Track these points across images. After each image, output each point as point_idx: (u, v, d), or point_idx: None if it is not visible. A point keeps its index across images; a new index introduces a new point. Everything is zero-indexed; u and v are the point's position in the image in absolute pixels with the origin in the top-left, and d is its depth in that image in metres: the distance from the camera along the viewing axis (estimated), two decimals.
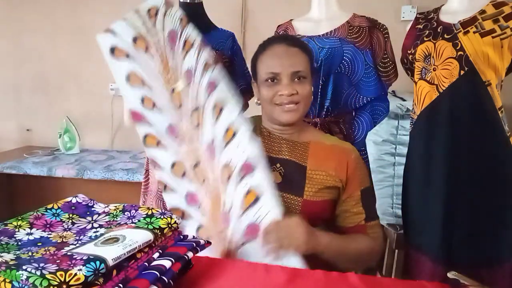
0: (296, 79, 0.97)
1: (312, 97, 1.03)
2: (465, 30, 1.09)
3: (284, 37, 1.05)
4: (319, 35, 1.28)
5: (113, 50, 1.07)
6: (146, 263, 0.63)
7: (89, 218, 0.77)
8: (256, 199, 0.92)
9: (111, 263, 0.56)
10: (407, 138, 1.32)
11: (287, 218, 0.89)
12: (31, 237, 0.69)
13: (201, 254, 0.73)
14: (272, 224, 0.88)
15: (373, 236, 1.01)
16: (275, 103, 0.99)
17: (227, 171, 0.97)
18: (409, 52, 1.23)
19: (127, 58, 1.07)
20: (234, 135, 0.98)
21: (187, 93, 1.06)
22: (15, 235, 0.68)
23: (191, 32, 1.10)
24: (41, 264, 0.54)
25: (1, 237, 0.66)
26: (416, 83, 1.21)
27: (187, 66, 1.07)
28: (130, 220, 0.74)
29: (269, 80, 0.98)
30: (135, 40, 1.08)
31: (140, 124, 1.07)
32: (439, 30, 1.15)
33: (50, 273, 0.52)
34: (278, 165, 1.00)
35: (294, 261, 0.87)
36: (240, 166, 0.95)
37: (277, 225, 0.88)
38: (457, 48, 1.09)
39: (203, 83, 1.05)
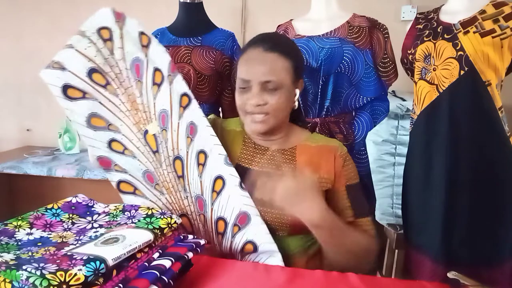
0: (268, 89, 0.89)
1: (286, 108, 0.93)
2: (465, 30, 1.09)
3: (263, 39, 0.92)
4: (319, 35, 1.28)
5: (65, 90, 0.87)
6: (146, 263, 0.63)
7: (89, 218, 0.77)
8: (255, 249, 0.87)
9: (111, 263, 0.56)
10: (407, 138, 1.32)
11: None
12: (31, 237, 0.69)
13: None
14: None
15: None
16: (246, 111, 0.92)
17: (221, 224, 0.90)
18: (409, 52, 1.23)
19: (84, 97, 0.88)
20: (223, 186, 0.89)
21: (164, 138, 0.92)
22: (15, 235, 0.68)
23: (158, 56, 0.91)
24: (41, 264, 0.54)
25: (1, 237, 0.66)
26: (416, 83, 1.21)
27: (161, 107, 0.92)
28: (130, 220, 0.74)
29: (241, 88, 0.91)
30: (90, 74, 0.89)
31: (110, 171, 0.91)
32: (439, 30, 1.15)
33: (50, 273, 0.52)
34: None
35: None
36: (234, 218, 0.88)
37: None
38: (457, 48, 1.09)
39: (182, 128, 0.92)
